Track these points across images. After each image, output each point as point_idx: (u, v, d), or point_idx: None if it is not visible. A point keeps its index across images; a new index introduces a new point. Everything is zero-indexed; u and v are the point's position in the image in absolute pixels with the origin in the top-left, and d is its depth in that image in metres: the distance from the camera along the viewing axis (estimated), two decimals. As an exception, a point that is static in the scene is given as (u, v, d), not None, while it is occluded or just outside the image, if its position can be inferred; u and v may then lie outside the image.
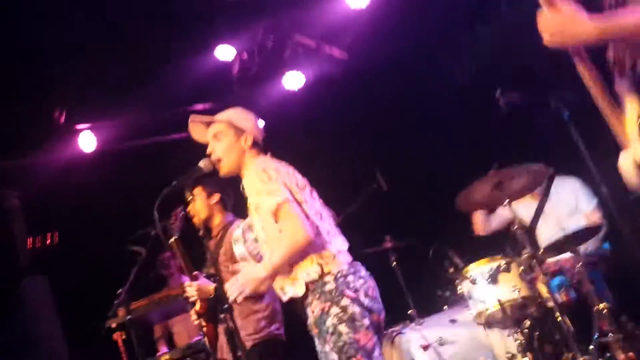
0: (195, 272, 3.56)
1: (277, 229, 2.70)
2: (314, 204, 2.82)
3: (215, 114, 3.01)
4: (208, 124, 3.01)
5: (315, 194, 2.87)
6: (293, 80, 5.92)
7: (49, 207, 5.59)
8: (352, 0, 5.36)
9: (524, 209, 4.29)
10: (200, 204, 3.85)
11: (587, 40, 1.71)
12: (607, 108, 1.82)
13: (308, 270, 2.69)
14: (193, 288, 3.51)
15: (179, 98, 5.68)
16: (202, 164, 2.98)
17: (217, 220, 3.89)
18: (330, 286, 2.66)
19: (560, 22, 1.70)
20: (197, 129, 3.04)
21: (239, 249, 2.95)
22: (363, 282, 2.71)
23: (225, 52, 5.70)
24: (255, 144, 2.94)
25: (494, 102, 3.68)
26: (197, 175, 3.03)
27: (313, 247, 2.69)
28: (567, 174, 4.35)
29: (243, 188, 2.91)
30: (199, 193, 3.85)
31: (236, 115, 3.01)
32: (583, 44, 1.75)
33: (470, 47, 5.47)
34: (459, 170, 4.37)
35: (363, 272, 2.78)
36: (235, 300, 2.77)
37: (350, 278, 2.69)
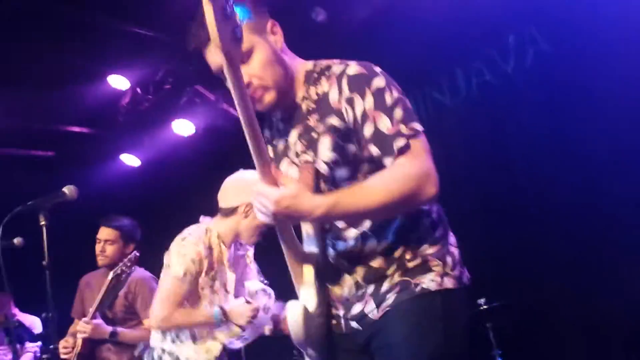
0: (96, 311, 3.58)
1: None
2: None
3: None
4: None
5: None
6: (183, 127, 5.59)
7: None
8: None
9: None
10: (114, 249, 3.85)
11: (314, 219, 1.62)
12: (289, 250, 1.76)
13: None
14: (89, 326, 3.53)
15: (60, 115, 5.45)
16: (67, 190, 2.97)
17: (120, 264, 3.77)
18: None
19: (290, 203, 1.55)
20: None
21: None
22: None
23: (119, 82, 5.45)
24: None
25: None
26: (58, 201, 2.96)
27: None
28: None
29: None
30: (116, 238, 3.86)
31: None
32: (308, 219, 1.66)
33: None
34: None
35: None
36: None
37: None
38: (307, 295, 1.72)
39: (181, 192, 5.72)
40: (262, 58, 1.72)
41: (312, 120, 1.75)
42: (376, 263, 1.74)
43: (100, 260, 3.83)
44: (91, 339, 3.58)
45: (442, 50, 4.36)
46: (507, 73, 4.11)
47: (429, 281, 1.70)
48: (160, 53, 5.33)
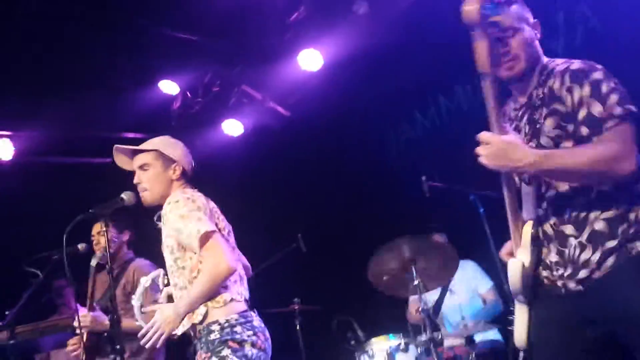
0: (93, 303, 3.54)
1: (188, 259, 2.63)
2: (231, 246, 2.76)
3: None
4: (134, 154, 2.89)
5: (233, 237, 2.80)
6: (232, 127, 5.68)
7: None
8: (304, 63, 5.08)
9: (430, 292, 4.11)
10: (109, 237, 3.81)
11: (524, 166, 1.94)
12: (512, 216, 2.11)
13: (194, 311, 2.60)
14: (87, 318, 3.46)
15: (113, 122, 5.61)
16: (125, 196, 2.92)
17: (119, 256, 3.89)
18: (214, 335, 2.54)
19: (503, 146, 1.92)
20: (121, 159, 2.95)
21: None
22: (252, 334, 2.56)
23: (169, 87, 5.59)
24: (183, 175, 2.86)
25: (418, 184, 3.88)
26: (117, 207, 2.95)
27: None
28: (464, 258, 4.31)
29: (159, 217, 2.78)
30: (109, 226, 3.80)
31: (164, 144, 2.89)
32: (519, 170, 1.98)
33: (406, 130, 5.49)
34: (375, 243, 4.17)
35: (256, 322, 2.64)
36: (155, 346, 2.67)
37: (238, 328, 2.55)
38: (524, 255, 2.09)
39: (233, 190, 5.81)
40: (521, 38, 2.17)
41: (538, 108, 2.12)
42: (598, 226, 2.00)
43: None
44: (95, 332, 3.52)
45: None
46: (556, 52, 4.00)
47: None
48: (207, 57, 5.45)
